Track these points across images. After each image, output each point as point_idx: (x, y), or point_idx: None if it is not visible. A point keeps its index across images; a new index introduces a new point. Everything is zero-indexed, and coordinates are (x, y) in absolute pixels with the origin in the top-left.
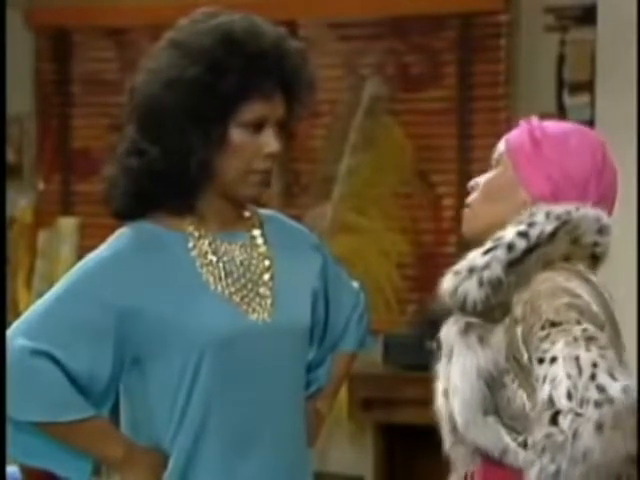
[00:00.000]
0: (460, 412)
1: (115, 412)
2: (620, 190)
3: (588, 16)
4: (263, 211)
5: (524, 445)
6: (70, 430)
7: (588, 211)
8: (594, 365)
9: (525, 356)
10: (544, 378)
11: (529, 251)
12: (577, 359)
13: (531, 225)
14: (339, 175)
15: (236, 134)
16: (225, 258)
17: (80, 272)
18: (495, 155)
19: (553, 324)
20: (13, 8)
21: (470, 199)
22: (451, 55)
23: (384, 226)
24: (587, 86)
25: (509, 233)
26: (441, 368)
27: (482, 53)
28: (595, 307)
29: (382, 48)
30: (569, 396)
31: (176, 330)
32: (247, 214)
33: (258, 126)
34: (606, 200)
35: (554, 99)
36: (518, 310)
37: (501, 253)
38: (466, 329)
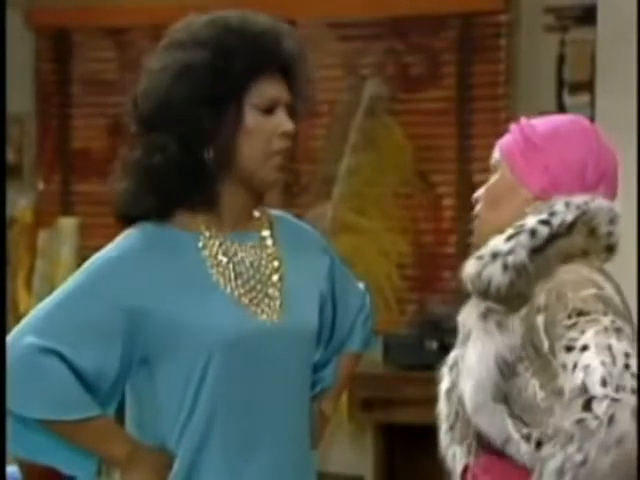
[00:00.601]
0: (471, 395)
1: (121, 412)
2: (620, 189)
3: (588, 16)
4: (273, 212)
5: (527, 438)
6: (76, 428)
7: (602, 202)
8: (626, 355)
9: (546, 344)
10: (574, 365)
11: (550, 240)
12: (610, 348)
13: (552, 214)
14: (339, 175)
15: (250, 117)
16: (235, 259)
17: (88, 271)
18: (492, 162)
19: (580, 313)
20: (13, 8)
21: (476, 210)
22: (451, 55)
23: (384, 226)
24: (587, 86)
25: (530, 220)
26: (454, 353)
27: (482, 53)
28: (618, 301)
29: (382, 48)
30: (604, 383)
31: (185, 330)
32: (257, 214)
33: (269, 109)
34: (606, 182)
35: (554, 99)
36: (541, 299)
37: (525, 239)
38: (486, 314)
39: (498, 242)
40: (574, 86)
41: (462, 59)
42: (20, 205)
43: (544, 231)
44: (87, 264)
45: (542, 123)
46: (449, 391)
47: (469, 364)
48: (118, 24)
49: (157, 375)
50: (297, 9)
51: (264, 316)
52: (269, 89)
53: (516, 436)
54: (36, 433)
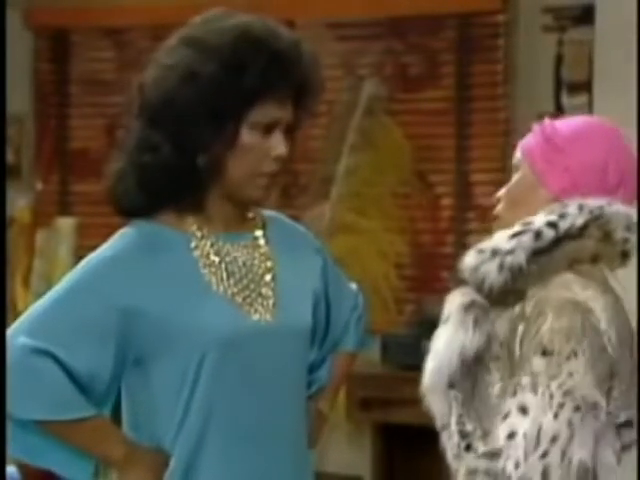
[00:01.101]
0: (429, 375)
1: (117, 412)
2: None
3: (586, 16)
4: (266, 212)
5: (462, 435)
6: (71, 429)
7: (620, 207)
8: (553, 440)
9: (517, 355)
10: (507, 414)
11: (556, 243)
12: (540, 428)
13: (562, 216)
14: (337, 175)
15: (247, 134)
16: (227, 259)
17: (82, 272)
18: (514, 161)
19: (545, 352)
20: (12, 8)
21: (496, 210)
22: (449, 55)
23: (382, 226)
24: (585, 86)
25: (539, 220)
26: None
27: (480, 53)
28: (604, 324)
29: (380, 48)
30: (517, 466)
31: (178, 330)
32: (250, 215)
33: (268, 128)
34: (626, 185)
35: (552, 99)
36: (529, 307)
37: (527, 240)
38: (468, 306)
39: (502, 238)
40: (572, 86)
41: (460, 59)
42: (18, 205)
43: (549, 234)
44: (81, 264)
45: (564, 124)
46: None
47: (436, 347)
48: (117, 24)
49: (152, 375)
50: (295, 9)
51: (257, 315)
52: (274, 110)
53: (454, 427)
54: (32, 435)
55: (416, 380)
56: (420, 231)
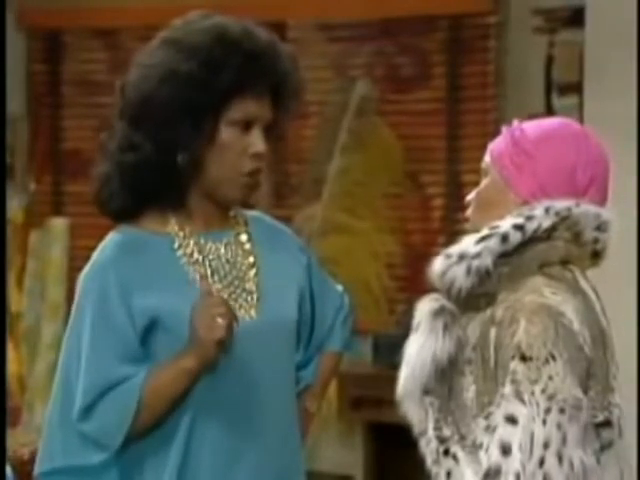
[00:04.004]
0: (403, 382)
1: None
2: (611, 191)
3: (577, 18)
4: (247, 212)
5: (439, 440)
6: (156, 388)
7: (589, 208)
8: (545, 446)
9: (492, 361)
10: (494, 427)
11: (524, 245)
12: (532, 436)
13: (529, 219)
14: (329, 176)
15: (225, 132)
16: (211, 256)
17: (92, 317)
18: (483, 165)
19: (523, 357)
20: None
21: (467, 213)
22: (440, 56)
23: (374, 226)
24: (576, 87)
25: (506, 224)
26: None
27: (471, 54)
28: (577, 325)
29: (371, 49)
30: (517, 477)
31: (164, 329)
32: (231, 213)
33: (246, 126)
34: (597, 186)
35: (543, 100)
36: (499, 311)
37: (494, 243)
38: (438, 312)
39: (468, 243)
40: (563, 87)
41: (451, 60)
42: (12, 206)
43: (516, 237)
44: (80, 303)
45: (532, 127)
46: None
47: (409, 354)
48: (109, 25)
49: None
50: (287, 10)
51: (242, 311)
52: (251, 107)
53: (431, 433)
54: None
55: None
56: (411, 231)
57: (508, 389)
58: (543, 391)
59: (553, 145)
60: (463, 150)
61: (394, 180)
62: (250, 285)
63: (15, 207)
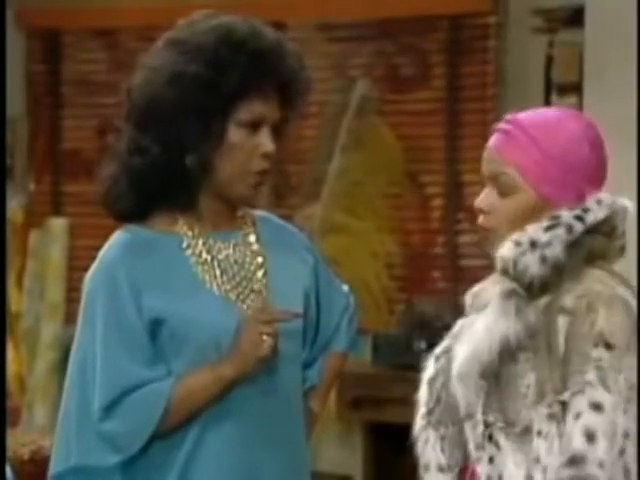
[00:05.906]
0: (463, 362)
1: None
2: (610, 191)
3: (576, 18)
4: (256, 212)
5: (485, 425)
6: (187, 392)
7: (623, 200)
8: (626, 435)
9: (562, 350)
10: (578, 414)
11: (584, 236)
12: (615, 425)
13: (585, 211)
14: (329, 176)
15: (234, 133)
16: (220, 257)
17: (101, 302)
18: (492, 169)
19: (607, 345)
20: None
21: (489, 223)
22: (440, 56)
23: (373, 226)
24: (575, 88)
25: (565, 215)
26: (445, 343)
27: (471, 54)
28: (635, 314)
29: (371, 49)
30: (601, 465)
31: (174, 330)
32: (240, 214)
33: (255, 126)
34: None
35: (542, 100)
36: (567, 300)
37: (562, 233)
38: (509, 294)
39: (536, 231)
40: (562, 88)
41: (451, 60)
42: (12, 206)
43: (579, 227)
44: (90, 301)
45: (555, 133)
46: (432, 379)
47: (475, 330)
48: (108, 25)
49: None
50: (287, 11)
51: (250, 312)
52: (259, 107)
53: (479, 417)
54: None
55: (407, 379)
56: (411, 231)
57: (592, 376)
58: (626, 381)
59: (584, 149)
60: (463, 150)
61: (394, 180)
62: (258, 286)
63: (15, 207)
